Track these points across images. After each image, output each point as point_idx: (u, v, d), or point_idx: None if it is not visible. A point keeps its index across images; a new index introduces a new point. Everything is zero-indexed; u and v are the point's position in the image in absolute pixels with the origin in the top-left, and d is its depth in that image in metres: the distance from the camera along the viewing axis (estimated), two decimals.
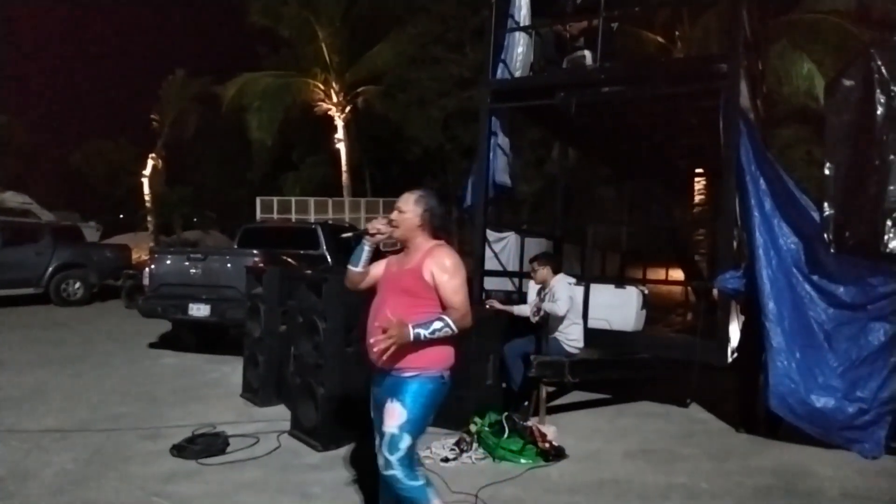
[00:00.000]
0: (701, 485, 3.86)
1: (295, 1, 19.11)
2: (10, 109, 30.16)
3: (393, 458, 2.51)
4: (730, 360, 5.30)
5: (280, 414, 4.99)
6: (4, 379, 6.05)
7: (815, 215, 4.75)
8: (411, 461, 2.57)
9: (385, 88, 19.72)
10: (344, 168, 20.74)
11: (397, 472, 2.52)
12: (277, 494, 3.54)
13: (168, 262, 7.57)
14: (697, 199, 12.81)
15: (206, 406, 5.30)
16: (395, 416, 2.54)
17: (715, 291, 5.56)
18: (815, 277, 4.75)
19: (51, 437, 4.39)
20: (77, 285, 12.25)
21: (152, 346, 8.13)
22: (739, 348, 5.37)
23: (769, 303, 4.77)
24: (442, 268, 2.57)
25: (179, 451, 4.11)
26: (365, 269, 2.81)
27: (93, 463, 3.94)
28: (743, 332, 5.39)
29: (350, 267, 2.82)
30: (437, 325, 2.49)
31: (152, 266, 7.60)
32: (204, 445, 4.17)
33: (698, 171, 11.53)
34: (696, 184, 12.56)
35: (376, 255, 2.85)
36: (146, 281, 7.61)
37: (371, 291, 2.82)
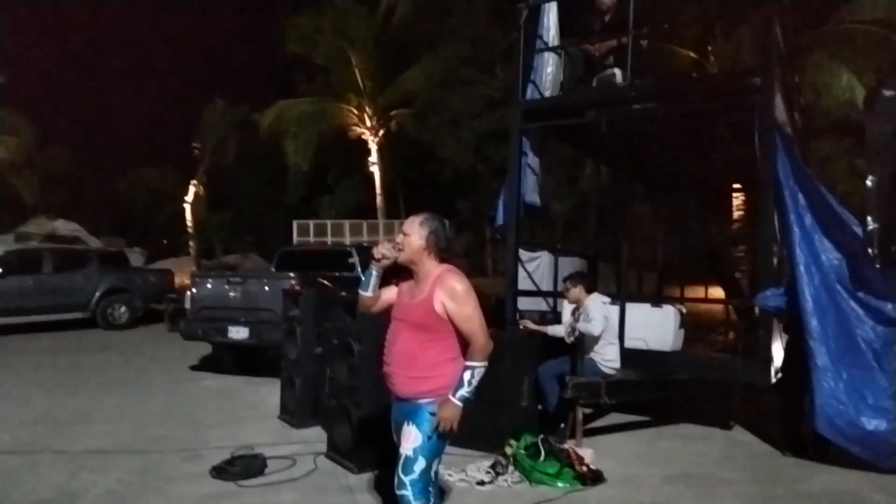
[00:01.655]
0: None
1: (329, 29, 19.64)
2: (61, 140, 31.53)
3: (406, 479, 2.55)
4: (773, 380, 5.14)
5: (316, 436, 5.03)
6: (52, 401, 6.26)
7: (858, 230, 4.61)
8: (425, 487, 2.58)
9: (417, 111, 20.03)
10: (378, 190, 21.04)
11: (408, 493, 2.55)
12: None
13: (208, 286, 7.76)
14: (736, 214, 12.58)
15: (245, 428, 5.38)
16: (410, 438, 2.58)
17: (756, 309, 5.42)
18: (860, 294, 4.60)
19: (96, 458, 4.52)
20: (122, 309, 12.63)
21: (193, 368, 8.31)
22: (783, 368, 5.21)
23: (812, 320, 4.63)
24: (452, 296, 2.56)
25: (219, 472, 4.19)
26: (375, 294, 2.81)
27: (136, 484, 4.04)
28: (786, 351, 5.23)
29: (360, 292, 2.83)
30: (468, 375, 2.52)
31: (193, 290, 7.80)
32: (242, 467, 4.23)
33: (736, 186, 11.33)
34: (734, 199, 12.35)
35: (386, 278, 2.86)
36: (187, 304, 7.82)
37: (387, 313, 2.84)
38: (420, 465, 2.55)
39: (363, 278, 2.82)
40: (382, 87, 20.39)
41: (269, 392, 6.57)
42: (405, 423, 2.62)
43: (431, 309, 2.56)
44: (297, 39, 20.06)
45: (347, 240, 18.34)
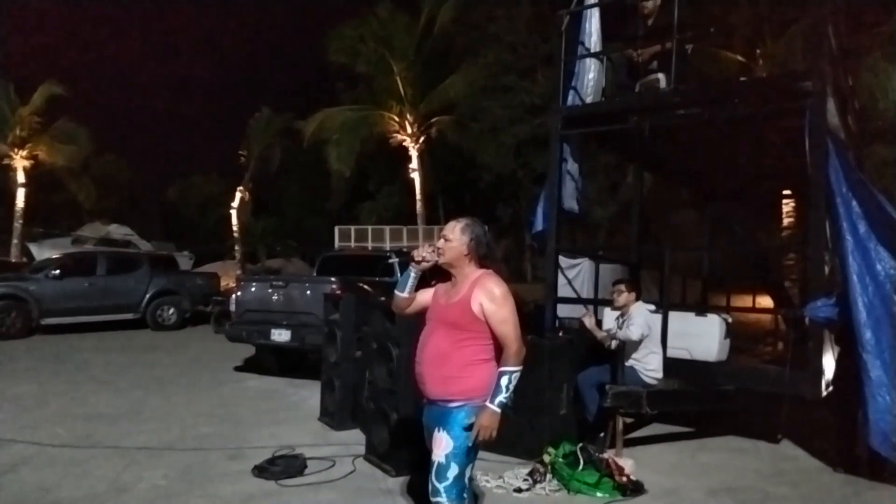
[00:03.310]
0: None
1: (371, 38, 19.92)
2: (115, 148, 32.82)
3: (440, 486, 2.53)
4: (824, 393, 4.95)
5: (355, 438, 5.09)
6: (105, 399, 6.51)
7: None
8: (460, 493, 2.55)
9: (458, 118, 20.09)
10: (418, 196, 21.17)
11: (443, 499, 2.53)
12: None
13: (252, 289, 7.96)
14: (786, 222, 12.18)
15: (286, 428, 5.49)
16: (441, 445, 2.56)
17: (807, 320, 5.24)
18: None
19: (144, 454, 4.68)
20: (171, 311, 13.05)
21: (237, 369, 8.52)
22: (835, 381, 5.01)
23: (866, 332, 4.45)
24: (490, 298, 2.55)
25: (261, 471, 4.28)
26: (411, 295, 2.82)
27: (181, 480, 4.16)
28: (838, 363, 5.03)
29: (396, 292, 2.84)
30: (504, 381, 2.49)
31: (238, 293, 8.01)
32: (283, 467, 4.32)
33: (786, 192, 10.98)
34: (783, 206, 11.97)
35: (423, 281, 2.87)
36: (232, 307, 8.02)
37: (421, 315, 2.85)
38: (453, 471, 2.53)
39: (401, 278, 2.84)
40: (423, 95, 20.54)
41: (309, 394, 6.68)
42: (436, 429, 2.60)
43: (468, 308, 2.56)
44: (339, 49, 20.38)
45: (387, 245, 18.51)
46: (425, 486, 2.62)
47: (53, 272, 11.94)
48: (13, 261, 21.07)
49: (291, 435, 5.22)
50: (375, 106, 21.05)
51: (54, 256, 14.51)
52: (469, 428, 2.52)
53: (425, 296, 2.84)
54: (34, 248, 21.83)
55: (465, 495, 2.58)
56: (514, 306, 2.60)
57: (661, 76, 6.02)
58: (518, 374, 2.52)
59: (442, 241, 2.70)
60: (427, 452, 2.70)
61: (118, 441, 4.99)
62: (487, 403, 2.48)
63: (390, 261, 8.58)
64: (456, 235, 2.66)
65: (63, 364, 8.68)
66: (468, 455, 2.57)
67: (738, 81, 8.81)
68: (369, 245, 18.05)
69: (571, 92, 6.48)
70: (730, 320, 5.62)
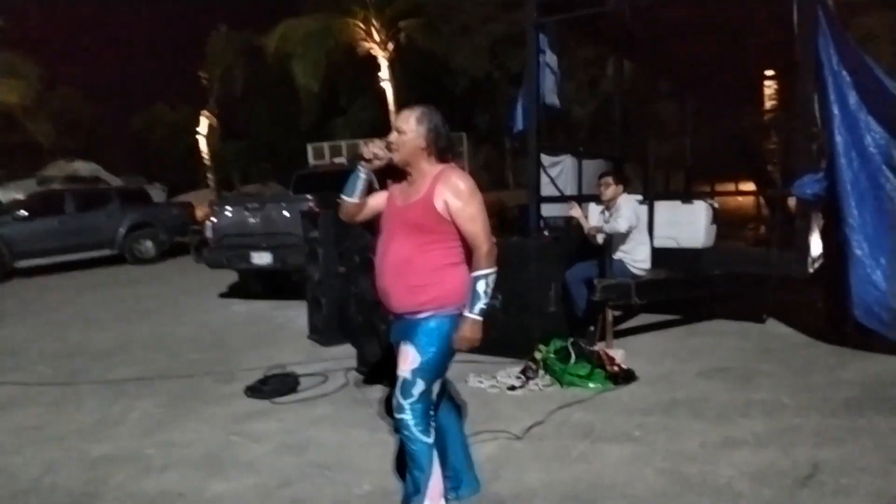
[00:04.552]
0: (783, 400, 3.67)
1: None
2: (69, 81, 31.10)
3: (405, 403, 2.32)
4: (811, 270, 4.96)
5: (346, 352, 5.06)
6: (89, 335, 6.42)
7: None
8: (425, 410, 2.36)
9: (427, 20, 19.07)
10: (391, 108, 20.45)
11: (407, 416, 2.33)
12: (349, 428, 3.61)
13: (228, 214, 7.72)
14: (768, 104, 11.94)
15: (276, 349, 5.45)
16: (408, 359, 2.33)
17: (791, 200, 5.17)
18: None
19: (133, 385, 4.63)
20: (148, 244, 12.80)
21: (222, 296, 8.43)
22: (822, 257, 5.01)
23: (851, 207, 4.40)
24: (455, 193, 2.27)
25: (253, 391, 4.25)
26: (362, 200, 2.50)
27: (174, 407, 4.13)
28: (824, 239, 5.02)
29: (344, 198, 2.50)
30: (481, 286, 2.26)
31: (213, 219, 7.78)
32: (276, 385, 4.29)
33: (768, 72, 10.67)
34: (765, 88, 11.68)
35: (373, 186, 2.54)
36: (209, 234, 7.81)
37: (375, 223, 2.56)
38: (419, 387, 2.31)
39: (349, 180, 2.48)
40: None
41: (296, 314, 6.61)
42: (403, 343, 2.36)
43: (431, 206, 2.27)
44: None
45: (345, 161, 17.98)
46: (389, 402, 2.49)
47: (21, 213, 11.56)
48: None
49: (282, 355, 5.19)
50: (339, 13, 19.87)
51: (20, 198, 14.03)
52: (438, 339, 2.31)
53: (377, 199, 2.53)
54: None
55: (430, 412, 2.38)
56: (482, 202, 2.33)
57: None
58: (494, 276, 2.29)
59: (395, 134, 2.36)
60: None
61: (105, 375, 4.93)
62: (467, 313, 2.27)
63: None
64: (411, 127, 2.32)
65: (44, 305, 8.53)
66: (436, 370, 2.36)
67: None
68: (345, 160, 17.57)
69: None
70: (716, 205, 5.54)
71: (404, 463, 2.51)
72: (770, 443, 3.09)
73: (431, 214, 2.28)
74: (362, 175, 2.45)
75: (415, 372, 2.32)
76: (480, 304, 2.28)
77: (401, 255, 2.33)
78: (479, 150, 21.53)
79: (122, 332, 6.44)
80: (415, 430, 2.33)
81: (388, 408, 3.57)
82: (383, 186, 2.54)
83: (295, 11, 21.44)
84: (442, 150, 2.36)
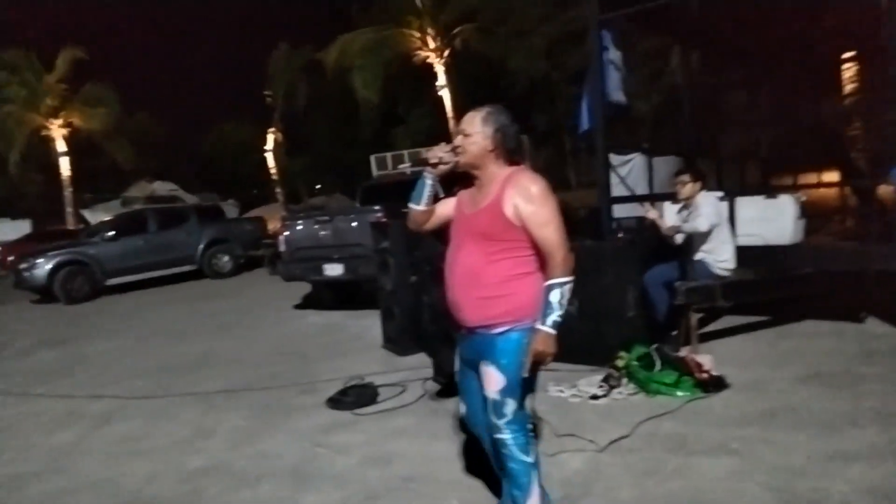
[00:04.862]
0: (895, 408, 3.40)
1: None
2: (144, 106, 32.93)
3: (500, 423, 2.24)
4: None
5: (421, 361, 5.07)
6: (176, 350, 6.71)
7: None
8: (523, 423, 2.28)
9: (482, 24, 19.06)
10: (449, 114, 20.54)
11: (504, 435, 2.25)
12: (431, 440, 3.60)
13: (299, 227, 7.92)
14: (848, 88, 11.23)
15: (353, 359, 5.53)
16: (492, 381, 2.22)
17: (881, 189, 4.83)
18: None
19: (221, 397, 4.80)
20: (226, 258, 13.34)
21: (297, 307, 8.65)
22: None
23: None
24: (527, 197, 2.14)
25: (334, 403, 4.32)
26: (429, 208, 2.40)
27: (260, 418, 4.25)
28: None
29: (411, 205, 2.40)
30: (555, 296, 2.10)
31: (286, 233, 8.00)
32: (356, 397, 4.34)
33: (847, 55, 10.04)
34: (844, 72, 11.00)
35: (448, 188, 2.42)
36: (282, 248, 8.04)
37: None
38: (511, 406, 2.22)
39: (416, 188, 2.38)
40: (443, 4, 19.48)
41: (370, 324, 6.70)
42: (481, 363, 2.25)
43: (500, 213, 2.15)
44: None
45: (408, 169, 18.13)
46: (475, 419, 2.41)
47: (109, 234, 12.27)
48: (70, 228, 21.86)
49: (359, 365, 5.25)
50: (394, 25, 20.15)
51: (107, 219, 14.92)
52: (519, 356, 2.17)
53: (446, 207, 2.42)
54: (87, 214, 22.55)
55: (529, 425, 2.30)
56: (555, 206, 2.18)
57: None
58: (570, 286, 2.14)
59: (460, 136, 2.25)
60: (461, 383, 2.44)
61: (194, 387, 5.13)
62: (539, 325, 2.12)
63: None
64: (477, 128, 2.22)
65: (131, 320, 9.00)
66: (524, 386, 2.24)
67: None
68: (408, 170, 17.77)
69: None
70: (803, 198, 5.23)
71: (496, 477, 2.46)
72: (889, 456, 2.86)
73: (500, 221, 2.17)
74: (428, 181, 2.37)
75: (502, 392, 2.22)
76: (554, 316, 2.12)
77: (470, 266, 2.23)
78: (540, 151, 21.29)
79: (206, 346, 6.71)
80: (513, 449, 2.26)
81: (463, 422, 3.59)
82: (450, 194, 2.45)
83: (351, 26, 21.90)
84: (511, 152, 2.24)
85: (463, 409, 2.48)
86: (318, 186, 28.49)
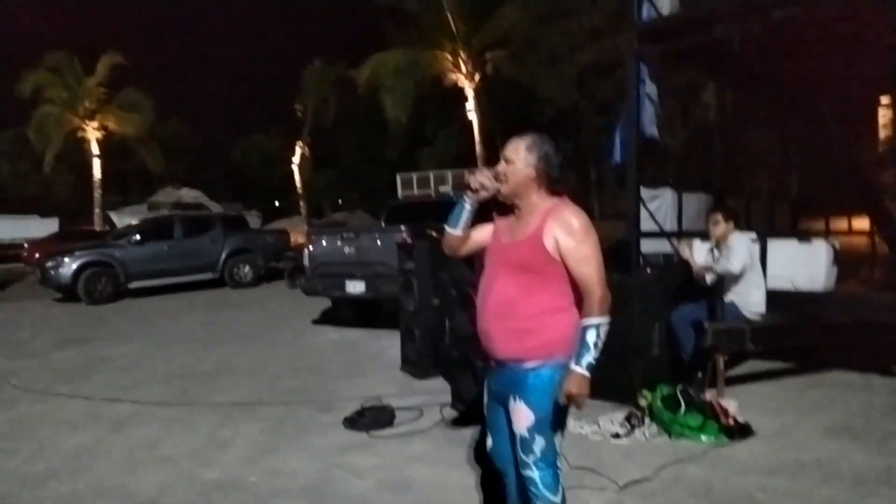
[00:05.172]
0: None
1: None
2: (177, 113, 33.67)
3: (528, 460, 2.19)
4: None
5: (439, 386, 5.04)
6: (194, 357, 6.74)
7: None
8: (552, 462, 2.21)
9: (513, 51, 19.25)
10: (477, 138, 20.67)
11: (532, 473, 2.19)
12: (449, 468, 3.54)
13: (324, 243, 7.96)
14: (883, 134, 11.09)
15: (370, 379, 5.50)
16: (522, 418, 2.17)
17: None
18: None
19: (238, 409, 4.79)
20: (247, 269, 13.44)
21: (315, 322, 8.66)
22: None
23: None
24: (568, 231, 2.09)
25: (351, 423, 4.28)
26: (465, 233, 2.35)
27: (277, 434, 4.23)
28: None
29: (447, 229, 2.35)
30: (591, 337, 2.06)
31: (310, 248, 8.04)
32: (372, 418, 4.30)
33: (884, 100, 9.94)
34: (881, 116, 10.87)
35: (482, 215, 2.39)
36: (306, 262, 8.08)
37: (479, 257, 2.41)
38: (540, 443, 2.17)
39: (453, 211, 2.34)
40: (476, 29, 19.72)
41: (388, 344, 6.68)
42: (511, 398, 2.19)
43: (540, 245, 2.11)
44: None
45: (451, 189, 18.23)
46: (501, 454, 2.38)
47: (135, 237, 12.44)
48: (97, 229, 22.25)
49: (376, 385, 5.23)
50: (427, 46, 20.43)
51: (134, 223, 15.16)
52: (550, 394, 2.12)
53: (482, 233, 2.37)
54: (114, 216, 22.97)
55: (558, 464, 2.24)
56: (597, 242, 2.13)
57: None
58: (606, 327, 2.08)
59: (503, 163, 2.21)
60: (483, 414, 2.39)
61: (211, 397, 5.14)
62: (574, 366, 2.06)
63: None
64: (520, 156, 2.18)
65: (151, 325, 9.08)
66: (554, 424, 2.18)
67: None
68: (432, 191, 17.85)
69: (646, 5, 5.91)
70: (837, 246, 5.13)
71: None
72: None
73: (540, 254, 2.12)
74: (467, 206, 2.31)
75: (531, 429, 2.17)
76: (589, 358, 2.06)
77: (505, 297, 2.17)
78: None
79: (224, 355, 6.73)
80: (541, 487, 2.20)
81: (479, 454, 3.53)
82: (487, 219, 2.40)
83: (385, 46, 22.25)
84: (553, 182, 2.20)
85: (489, 442, 2.43)
86: (340, 202, 28.71)
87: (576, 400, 2.10)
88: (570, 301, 2.17)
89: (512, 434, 2.26)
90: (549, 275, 2.14)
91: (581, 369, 2.07)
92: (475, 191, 2.26)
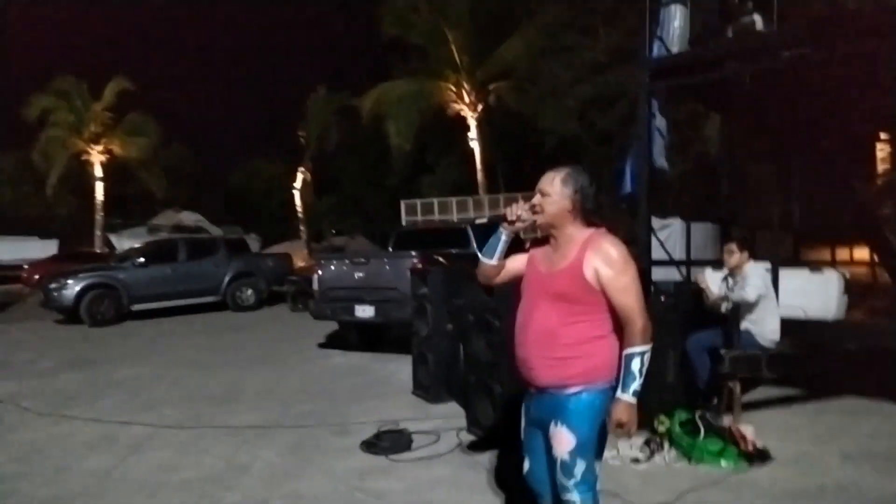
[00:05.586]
0: None
1: (425, 6, 19.57)
2: (180, 138, 33.94)
3: (569, 483, 2.22)
4: None
5: (453, 411, 5.05)
6: (203, 380, 6.73)
7: None
8: (592, 486, 2.24)
9: (516, 83, 19.60)
10: (478, 166, 20.91)
11: (573, 496, 2.21)
12: (471, 493, 3.55)
13: (333, 268, 8.01)
14: (881, 168, 11.31)
15: (383, 403, 5.50)
16: (563, 442, 2.20)
17: None
18: None
19: (253, 433, 4.78)
20: (249, 292, 13.43)
21: (321, 346, 8.66)
22: None
23: None
24: (607, 261, 2.15)
25: (369, 447, 4.29)
26: (500, 263, 2.44)
27: (295, 457, 4.22)
28: None
29: (483, 258, 2.44)
30: (636, 364, 2.11)
31: (319, 272, 8.09)
32: (390, 442, 4.31)
33: (883, 136, 10.17)
34: (879, 151, 11.10)
35: (515, 246, 2.49)
36: (315, 286, 8.11)
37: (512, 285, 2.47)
38: (581, 467, 2.20)
39: (489, 241, 2.43)
40: (480, 61, 20.12)
41: (397, 368, 6.70)
42: (552, 423, 2.23)
43: (580, 275, 2.16)
44: (393, 21, 20.18)
45: (455, 217, 18.37)
46: (538, 478, 2.41)
47: (139, 260, 12.46)
48: (98, 251, 22.25)
49: (390, 409, 5.23)
50: (431, 77, 20.79)
51: (135, 245, 15.17)
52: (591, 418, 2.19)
53: (516, 263, 2.45)
54: (114, 239, 22.96)
55: (596, 490, 2.27)
56: (636, 272, 2.20)
57: (757, 17, 5.57)
58: (649, 355, 2.14)
59: (538, 196, 2.27)
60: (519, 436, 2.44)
61: (226, 420, 5.13)
62: (621, 395, 2.12)
63: (467, 231, 8.46)
64: (556, 189, 2.24)
65: (155, 347, 9.05)
66: (594, 448, 2.24)
67: (850, 13, 8.08)
68: (436, 218, 17.99)
69: (656, 43, 6.10)
70: (847, 276, 5.23)
71: None
72: None
73: (580, 284, 2.18)
74: (503, 236, 2.39)
75: (572, 453, 2.20)
76: (636, 385, 2.12)
77: (545, 326, 2.23)
78: None
79: (234, 379, 6.71)
80: None
81: (499, 477, 3.55)
82: (521, 249, 2.47)
83: (389, 76, 22.63)
84: (589, 213, 2.27)
85: (526, 465, 2.46)
86: (334, 231, 28.78)
87: (625, 427, 2.14)
88: (609, 328, 2.22)
89: (551, 459, 2.28)
90: (589, 304, 2.20)
91: (628, 397, 2.12)
92: (511, 222, 2.33)
